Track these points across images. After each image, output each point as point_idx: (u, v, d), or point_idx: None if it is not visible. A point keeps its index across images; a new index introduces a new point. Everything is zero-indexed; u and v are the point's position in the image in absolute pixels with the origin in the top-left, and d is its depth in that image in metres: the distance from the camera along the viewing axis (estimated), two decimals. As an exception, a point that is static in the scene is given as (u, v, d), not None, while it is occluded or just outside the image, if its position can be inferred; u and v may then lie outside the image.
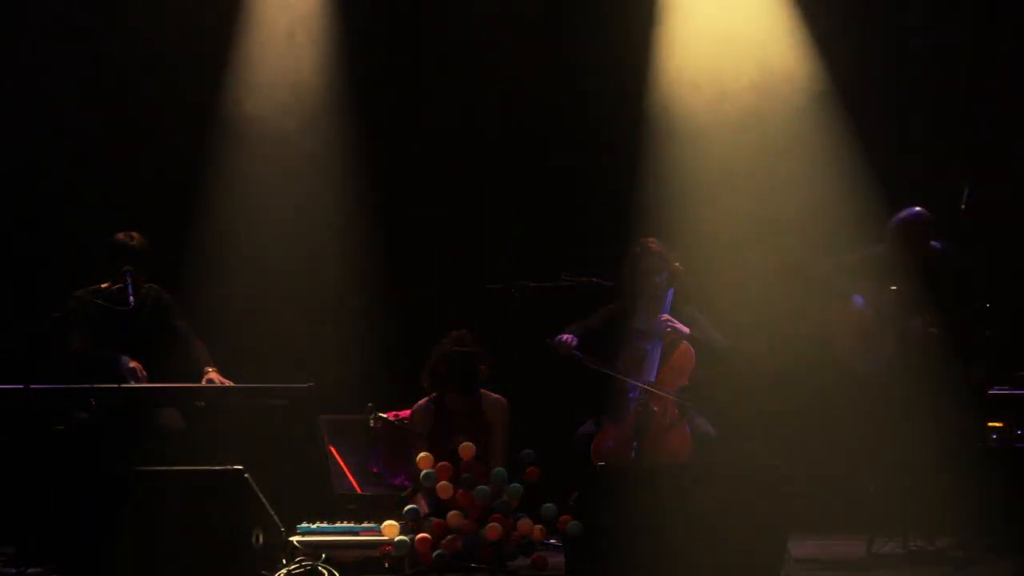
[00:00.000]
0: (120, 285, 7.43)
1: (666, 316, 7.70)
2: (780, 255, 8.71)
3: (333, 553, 6.35)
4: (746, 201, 8.84)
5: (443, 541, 6.28)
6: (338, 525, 6.54)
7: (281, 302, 8.74)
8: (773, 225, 8.80)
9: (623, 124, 8.89)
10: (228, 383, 7.39)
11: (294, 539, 6.40)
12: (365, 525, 6.50)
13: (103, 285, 7.55)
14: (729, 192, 8.84)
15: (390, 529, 6.33)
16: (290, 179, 8.92)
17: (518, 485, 6.39)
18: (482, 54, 8.98)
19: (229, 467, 6.12)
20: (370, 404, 7.30)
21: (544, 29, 9.00)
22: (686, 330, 7.71)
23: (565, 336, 7.70)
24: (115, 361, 7.35)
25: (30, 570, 6.68)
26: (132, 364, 7.38)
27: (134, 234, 7.62)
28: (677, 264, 7.85)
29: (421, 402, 7.38)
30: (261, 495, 6.21)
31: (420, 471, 6.46)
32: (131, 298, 7.39)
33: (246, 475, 6.10)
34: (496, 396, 7.35)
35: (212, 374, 7.45)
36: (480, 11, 8.94)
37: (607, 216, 8.84)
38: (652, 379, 7.58)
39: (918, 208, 7.58)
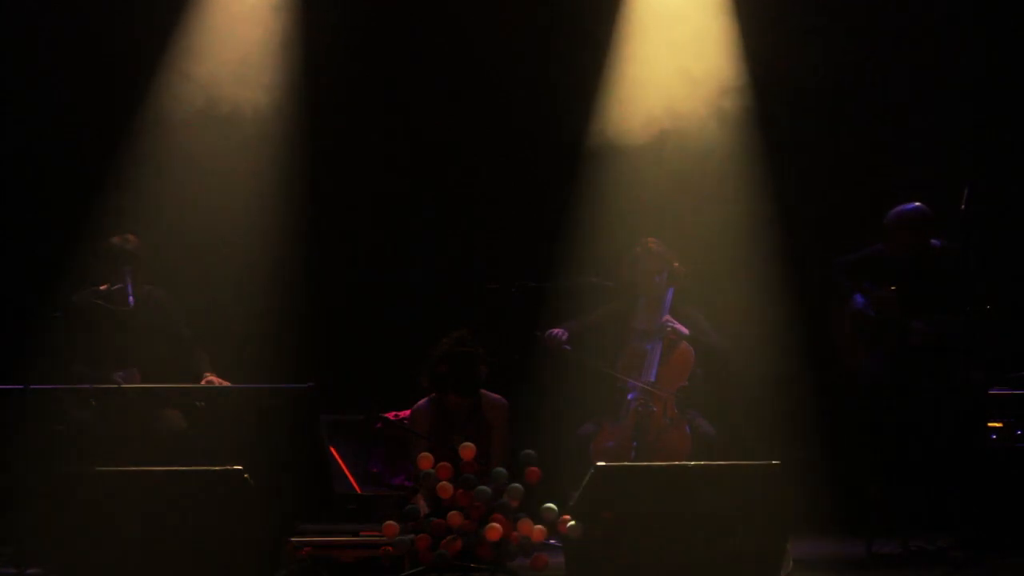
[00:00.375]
0: (119, 286, 7.44)
1: (667, 317, 7.71)
2: (777, 255, 8.73)
3: (333, 553, 6.34)
4: (742, 201, 8.86)
5: (443, 541, 6.27)
6: (338, 525, 6.54)
7: (280, 302, 8.74)
8: (771, 225, 8.82)
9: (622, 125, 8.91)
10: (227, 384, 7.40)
11: (294, 539, 6.40)
12: (365, 525, 6.50)
13: (102, 287, 7.55)
14: (727, 191, 8.86)
15: (390, 529, 6.33)
16: (288, 178, 8.92)
17: (518, 485, 6.39)
18: (470, 50, 9.01)
19: (229, 467, 6.11)
20: (371, 408, 7.30)
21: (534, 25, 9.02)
22: (686, 331, 7.71)
23: (556, 331, 7.71)
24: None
25: (30, 570, 6.67)
26: (122, 374, 7.38)
27: (129, 236, 7.63)
28: (677, 264, 7.85)
29: (421, 402, 7.38)
30: (261, 495, 6.20)
31: (420, 471, 6.46)
32: (130, 298, 7.40)
33: (246, 475, 6.10)
34: (496, 396, 7.35)
35: (210, 377, 7.45)
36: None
37: (607, 215, 8.85)
38: (652, 379, 7.59)
39: (917, 203, 7.56)
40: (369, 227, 8.96)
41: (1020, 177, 8.72)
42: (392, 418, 7.41)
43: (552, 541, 6.66)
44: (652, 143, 8.85)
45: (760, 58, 8.81)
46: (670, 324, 7.68)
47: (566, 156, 8.96)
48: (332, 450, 7.68)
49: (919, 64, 8.83)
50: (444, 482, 6.39)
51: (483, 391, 7.32)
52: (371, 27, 9.01)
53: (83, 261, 7.87)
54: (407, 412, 7.40)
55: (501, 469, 6.49)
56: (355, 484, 7.63)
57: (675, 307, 7.81)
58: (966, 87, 8.79)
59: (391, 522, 6.35)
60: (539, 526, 6.32)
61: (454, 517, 6.30)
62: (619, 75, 8.93)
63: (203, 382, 7.43)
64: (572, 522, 6.20)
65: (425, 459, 6.47)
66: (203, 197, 8.74)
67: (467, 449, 6.50)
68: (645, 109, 8.90)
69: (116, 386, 7.20)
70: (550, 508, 6.31)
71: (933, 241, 7.53)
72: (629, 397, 7.60)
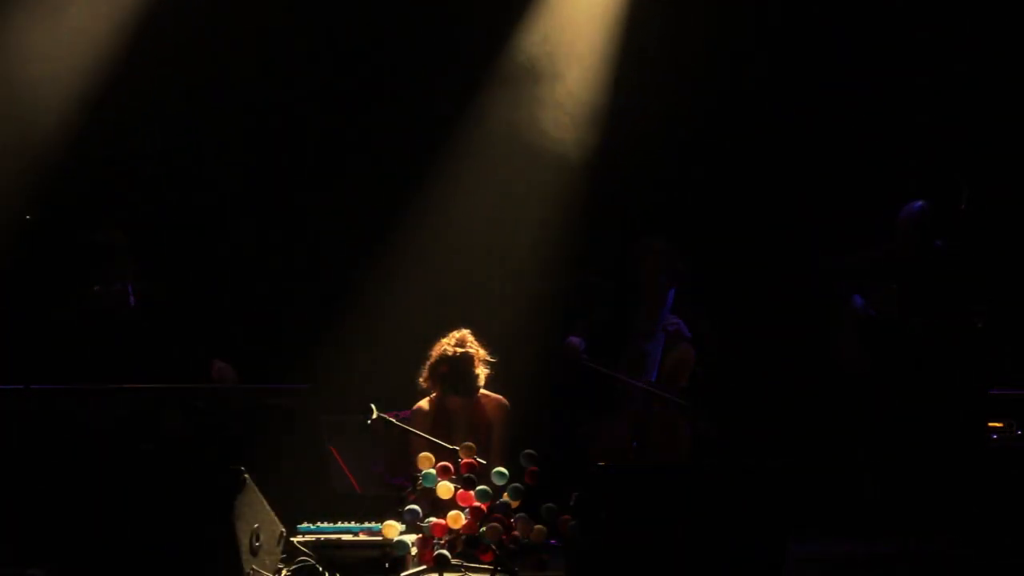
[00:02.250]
0: (118, 286, 7.41)
1: (669, 318, 7.71)
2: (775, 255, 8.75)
3: (333, 553, 6.34)
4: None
5: (443, 541, 6.27)
6: (338, 525, 6.54)
7: (281, 301, 8.75)
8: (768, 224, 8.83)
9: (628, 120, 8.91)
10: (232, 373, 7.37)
11: (294, 539, 6.40)
12: (365, 525, 6.51)
13: (96, 288, 7.50)
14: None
15: (390, 529, 6.33)
16: (290, 178, 8.93)
17: (518, 485, 6.39)
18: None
19: (229, 467, 6.12)
20: (372, 405, 7.30)
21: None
22: (687, 332, 7.71)
23: (574, 340, 7.67)
24: None
25: (30, 570, 6.67)
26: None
27: (112, 231, 7.54)
28: (679, 265, 7.85)
29: (421, 402, 7.38)
30: (261, 495, 6.21)
31: (419, 471, 6.46)
32: (131, 298, 7.39)
33: (246, 475, 6.10)
34: (496, 396, 7.35)
35: (220, 364, 7.39)
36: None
37: (607, 215, 8.85)
38: (652, 379, 7.59)
39: (921, 201, 7.58)
40: (369, 226, 8.96)
41: (1020, 177, 8.73)
42: (392, 418, 7.40)
43: (552, 541, 6.67)
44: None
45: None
46: (672, 324, 7.68)
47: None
48: (332, 450, 7.67)
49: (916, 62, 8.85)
50: (444, 482, 6.40)
51: (483, 391, 7.32)
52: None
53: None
54: (407, 412, 7.40)
55: (501, 469, 6.49)
56: (355, 484, 7.63)
57: (676, 307, 7.81)
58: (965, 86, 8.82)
59: (391, 522, 6.36)
60: (539, 526, 6.32)
61: (454, 517, 6.31)
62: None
63: (214, 370, 7.38)
64: (572, 522, 6.21)
65: (425, 459, 6.48)
66: (199, 198, 8.77)
67: (467, 449, 6.51)
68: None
69: (116, 386, 7.18)
70: (550, 508, 6.31)
71: (936, 242, 7.55)
72: (630, 397, 7.60)
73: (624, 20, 8.85)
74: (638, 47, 8.83)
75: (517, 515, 6.34)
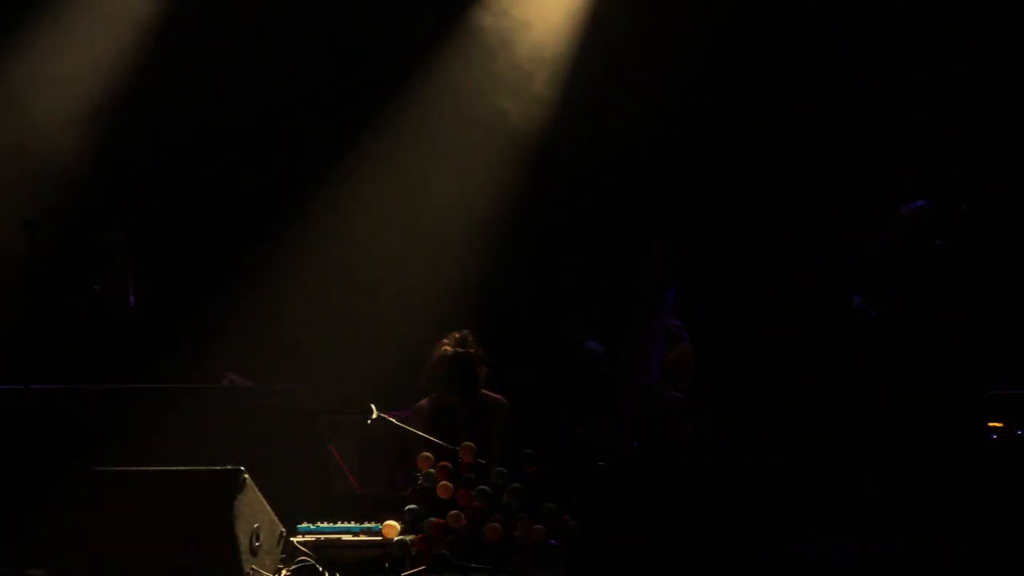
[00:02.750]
0: (118, 287, 7.41)
1: (669, 318, 7.72)
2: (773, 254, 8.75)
3: (333, 553, 6.34)
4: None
5: (443, 541, 6.27)
6: (338, 525, 6.54)
7: (282, 302, 8.75)
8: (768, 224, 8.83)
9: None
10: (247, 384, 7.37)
11: (294, 539, 6.40)
12: (365, 525, 6.51)
13: (96, 288, 7.50)
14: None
15: (390, 529, 6.33)
16: (292, 179, 8.94)
17: (518, 485, 6.39)
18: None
19: (229, 467, 6.12)
20: (371, 405, 7.30)
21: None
22: (687, 333, 7.72)
23: (592, 344, 7.68)
24: None
25: (30, 570, 6.67)
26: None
27: (113, 231, 7.55)
28: (680, 265, 7.85)
29: (421, 402, 7.38)
30: (261, 495, 6.21)
31: (420, 471, 6.46)
32: (131, 297, 7.39)
33: (246, 475, 6.11)
34: (496, 396, 7.35)
35: (232, 376, 7.40)
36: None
37: (607, 214, 8.86)
38: (653, 379, 7.59)
39: (921, 201, 7.59)
40: (368, 225, 8.96)
41: (1020, 177, 8.73)
42: (392, 418, 7.40)
43: (552, 541, 6.67)
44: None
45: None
46: (672, 325, 7.69)
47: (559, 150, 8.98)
48: (332, 450, 7.67)
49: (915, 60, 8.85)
50: (444, 482, 6.40)
51: (484, 391, 7.32)
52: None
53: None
54: (407, 412, 7.39)
55: (501, 469, 6.49)
56: (355, 484, 7.63)
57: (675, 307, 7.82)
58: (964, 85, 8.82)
59: (391, 522, 6.36)
60: (539, 526, 6.32)
61: (454, 517, 6.30)
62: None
63: (225, 380, 7.39)
64: (572, 522, 6.21)
65: (425, 459, 6.47)
66: (204, 198, 8.77)
67: (467, 449, 6.51)
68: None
69: (116, 386, 7.19)
70: (550, 508, 6.31)
71: (936, 241, 7.55)
72: (631, 396, 7.60)
73: (608, 13, 8.86)
74: (638, 45, 8.83)
75: (517, 515, 6.34)
